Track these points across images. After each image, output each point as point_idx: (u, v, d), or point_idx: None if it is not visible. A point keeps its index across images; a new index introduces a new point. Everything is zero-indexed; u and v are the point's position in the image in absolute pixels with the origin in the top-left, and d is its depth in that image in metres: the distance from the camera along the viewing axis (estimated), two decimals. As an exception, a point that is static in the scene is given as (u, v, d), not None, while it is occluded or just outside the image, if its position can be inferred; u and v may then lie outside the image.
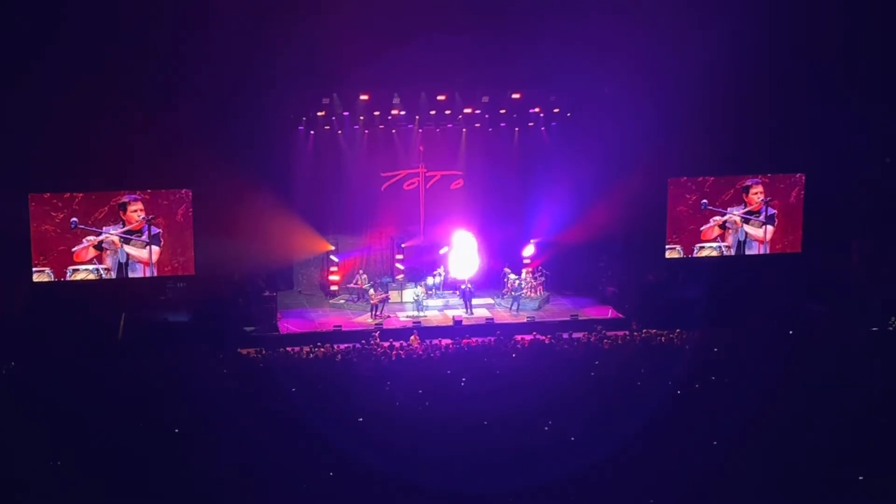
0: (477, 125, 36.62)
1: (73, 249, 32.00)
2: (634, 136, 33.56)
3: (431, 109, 35.99)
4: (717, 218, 35.67)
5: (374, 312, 34.42)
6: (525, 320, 34.14)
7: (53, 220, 31.77)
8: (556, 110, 36.64)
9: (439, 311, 35.17)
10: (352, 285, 36.31)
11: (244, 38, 31.07)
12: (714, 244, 35.89)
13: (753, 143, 35.37)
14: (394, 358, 28.68)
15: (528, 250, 37.28)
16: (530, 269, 36.42)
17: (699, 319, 31.34)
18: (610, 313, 34.96)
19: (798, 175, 35.94)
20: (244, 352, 30.16)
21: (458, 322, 33.82)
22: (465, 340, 31.03)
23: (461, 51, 32.61)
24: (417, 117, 36.09)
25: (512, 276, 35.84)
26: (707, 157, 35.12)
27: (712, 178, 35.63)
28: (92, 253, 32.21)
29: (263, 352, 30.32)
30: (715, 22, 32.29)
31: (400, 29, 31.78)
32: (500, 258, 36.90)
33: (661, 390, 23.63)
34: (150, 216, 32.44)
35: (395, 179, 36.80)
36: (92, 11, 30.17)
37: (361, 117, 35.78)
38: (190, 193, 32.62)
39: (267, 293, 33.67)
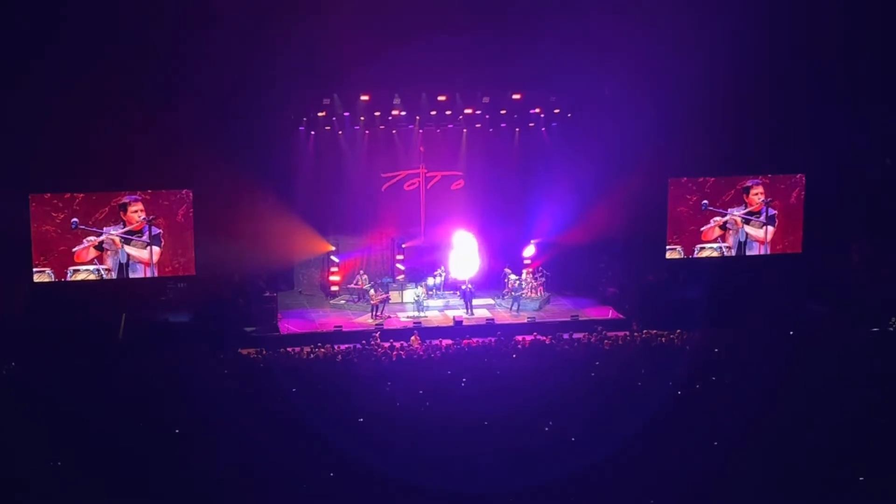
0: (477, 126, 36.62)
1: (74, 250, 32.02)
2: (635, 137, 33.58)
3: (432, 110, 36.00)
4: (718, 218, 35.67)
5: (374, 313, 34.42)
6: (525, 321, 34.15)
7: (54, 221, 31.78)
8: (556, 111, 36.66)
9: (440, 311, 35.18)
10: (352, 286, 36.31)
11: (244, 38, 31.09)
12: (714, 245, 35.90)
13: (754, 144, 35.40)
14: (394, 358, 28.67)
15: (529, 251, 37.29)
16: (531, 270, 36.42)
17: (700, 320, 31.33)
18: (610, 314, 34.96)
19: (798, 175, 35.95)
20: (245, 352, 30.16)
21: (458, 322, 33.82)
22: (465, 341, 31.00)
23: (461, 51, 32.62)
24: (418, 118, 36.10)
25: (512, 277, 35.85)
26: (707, 157, 35.15)
27: (713, 179, 35.64)
28: (92, 253, 32.22)
29: (264, 352, 30.32)
30: (715, 22, 32.33)
31: (400, 29, 31.80)
32: (501, 258, 36.92)
33: (661, 391, 23.61)
34: (151, 216, 32.45)
35: (395, 180, 36.82)
36: (92, 11, 30.18)
37: (362, 118, 35.79)
38: (190, 194, 32.63)
39: (267, 293, 33.67)
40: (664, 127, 33.33)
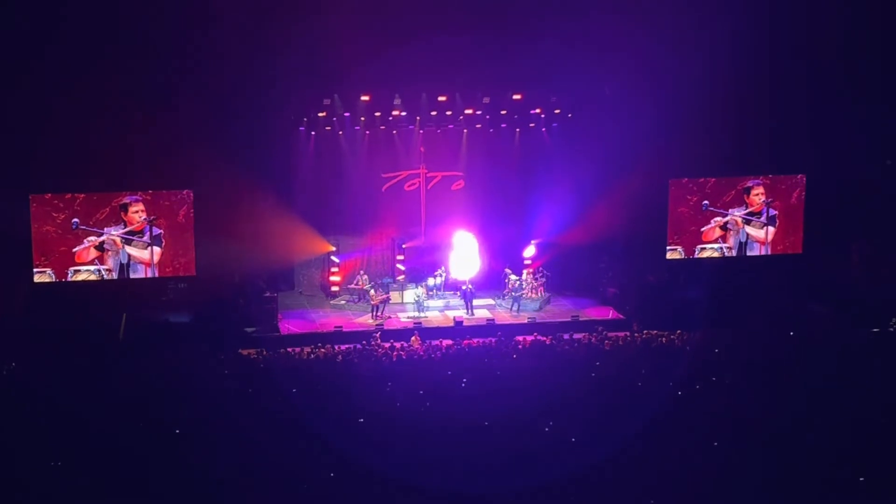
0: (478, 126, 36.61)
1: (75, 250, 32.01)
2: (635, 137, 33.59)
3: (432, 110, 35.99)
4: (719, 219, 35.67)
5: (374, 313, 34.42)
6: (526, 321, 34.15)
7: (55, 221, 31.78)
8: (556, 111, 36.65)
9: (440, 311, 35.18)
10: (353, 286, 36.30)
11: (244, 38, 31.09)
12: (715, 245, 35.89)
13: (754, 144, 35.39)
14: (395, 359, 28.67)
15: (529, 251, 37.28)
16: (531, 270, 36.42)
17: (700, 320, 31.33)
18: (611, 314, 34.96)
19: (799, 176, 35.95)
20: (245, 352, 30.17)
21: (458, 323, 33.83)
22: (465, 341, 31.00)
23: (462, 51, 32.61)
24: (418, 118, 36.10)
25: (513, 277, 35.85)
26: (708, 157, 35.13)
27: (713, 179, 35.63)
28: (93, 254, 32.22)
29: (264, 352, 30.33)
30: (715, 22, 32.32)
31: (400, 29, 31.79)
32: (501, 259, 36.92)
33: (661, 391, 23.62)
34: (152, 217, 32.45)
35: (396, 180, 36.81)
36: (92, 11, 30.17)
37: (362, 118, 35.79)
38: (191, 194, 32.64)
39: (268, 294, 33.67)
40: (664, 127, 33.33)
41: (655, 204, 35.22)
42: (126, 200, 32.37)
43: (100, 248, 32.27)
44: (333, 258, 36.68)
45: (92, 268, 32.29)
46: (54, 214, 31.81)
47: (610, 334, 31.31)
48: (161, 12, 30.66)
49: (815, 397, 22.35)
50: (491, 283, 36.70)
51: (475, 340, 31.24)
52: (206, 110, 31.74)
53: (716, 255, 35.93)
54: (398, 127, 36.30)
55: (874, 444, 20.36)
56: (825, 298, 33.85)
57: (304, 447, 20.13)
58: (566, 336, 30.89)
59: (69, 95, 30.47)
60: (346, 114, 35.58)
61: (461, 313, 34.73)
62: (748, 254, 36.10)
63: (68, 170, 31.49)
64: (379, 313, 34.43)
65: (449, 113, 36.12)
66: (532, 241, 37.29)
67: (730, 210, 35.73)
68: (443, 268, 36.33)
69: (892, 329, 30.98)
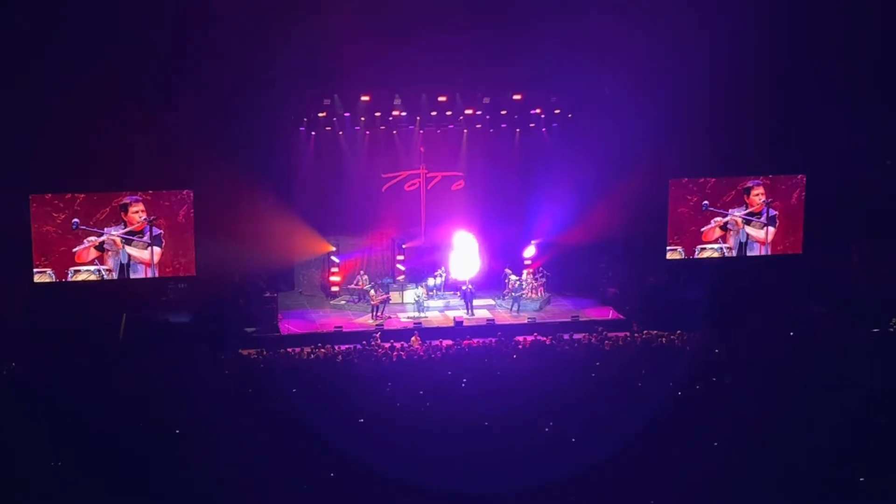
0: (478, 126, 36.62)
1: (75, 250, 32.00)
2: (635, 137, 33.59)
3: (432, 110, 35.99)
4: (719, 219, 35.67)
5: (374, 313, 34.42)
6: (526, 321, 34.15)
7: (55, 221, 31.78)
8: (556, 111, 36.66)
9: (440, 311, 35.18)
10: (353, 286, 36.30)
11: (244, 38, 31.08)
12: (715, 245, 35.88)
13: (754, 144, 35.38)
14: (395, 359, 28.67)
15: (529, 251, 37.28)
16: (531, 270, 36.42)
17: (700, 320, 31.31)
18: (611, 314, 34.96)
19: (799, 176, 35.94)
20: (245, 352, 30.17)
21: (458, 323, 33.83)
22: (465, 341, 31.00)
23: (462, 51, 32.60)
24: (418, 118, 36.11)
25: (513, 277, 35.85)
26: (708, 158, 35.13)
27: (713, 180, 35.62)
28: (93, 254, 32.21)
29: (264, 352, 30.33)
30: (715, 22, 32.32)
31: (400, 29, 31.79)
32: (501, 259, 36.92)
33: (661, 391, 23.61)
34: (152, 217, 32.44)
35: (396, 180, 36.82)
36: (92, 11, 30.17)
37: (362, 118, 35.80)
38: (191, 194, 32.64)
39: (268, 294, 33.67)
40: (664, 127, 33.33)
41: (655, 204, 35.22)
42: (126, 200, 32.37)
43: (100, 248, 32.27)
44: (333, 258, 36.69)
45: (92, 268, 32.29)
46: (54, 214, 31.81)
47: (610, 334, 31.32)
48: (161, 12, 30.65)
49: (816, 397, 22.34)
50: (491, 283, 36.70)
51: (475, 340, 31.25)
52: (206, 110, 31.74)
53: (716, 255, 35.93)
54: (398, 127, 36.31)
55: (874, 444, 20.36)
56: (825, 298, 33.84)
57: (304, 447, 20.13)
58: (566, 336, 30.89)
59: (69, 95, 30.47)
60: (347, 114, 35.59)
61: (461, 313, 34.73)
62: (748, 254, 36.09)
63: (68, 170, 31.49)
64: (379, 313, 34.42)
65: (449, 113, 36.12)
66: (532, 242, 37.30)
67: (730, 210, 35.73)
68: (443, 268, 36.33)
69: (892, 329, 30.97)
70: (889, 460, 19.71)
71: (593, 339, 30.72)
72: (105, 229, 32.21)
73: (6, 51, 30.03)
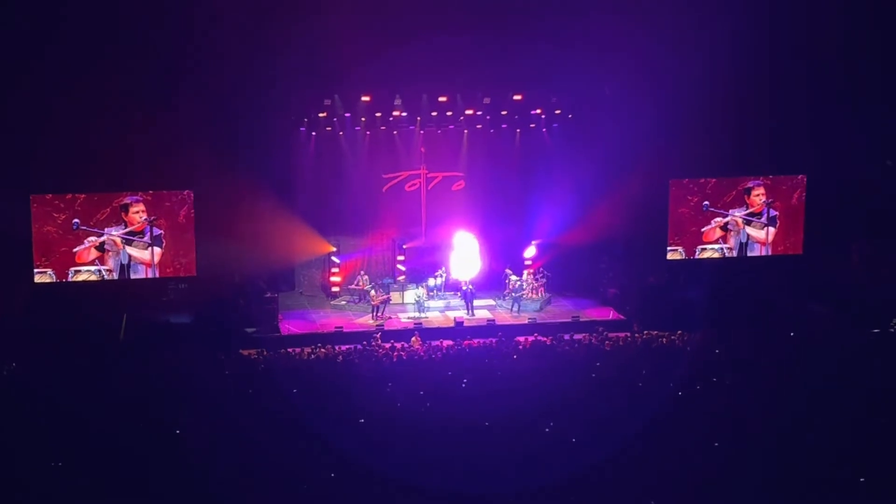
0: (478, 126, 36.65)
1: (75, 250, 32.00)
2: (635, 138, 33.60)
3: (433, 111, 36.01)
4: (719, 219, 35.66)
5: (375, 313, 34.42)
6: (526, 322, 34.16)
7: (55, 221, 31.78)
8: (557, 111, 36.68)
9: (440, 312, 35.19)
10: (353, 286, 36.31)
11: (244, 38, 31.08)
12: (716, 246, 35.87)
13: (754, 145, 35.37)
14: (395, 359, 28.67)
15: (530, 251, 37.29)
16: (531, 271, 36.44)
17: (700, 321, 31.29)
18: (611, 315, 34.96)
19: (800, 177, 35.93)
20: (245, 353, 30.17)
21: (459, 323, 33.84)
22: (466, 342, 31.00)
23: (462, 51, 32.60)
24: (419, 118, 36.13)
25: (513, 278, 35.85)
26: (708, 158, 35.12)
27: (714, 180, 35.61)
28: (94, 254, 32.21)
29: (265, 353, 30.33)
30: (715, 22, 32.32)
31: (400, 29, 31.79)
32: (502, 259, 36.93)
33: (662, 391, 23.59)
34: (152, 217, 32.44)
35: (396, 181, 36.85)
36: (92, 11, 30.17)
37: (363, 118, 35.83)
38: (191, 194, 32.64)
39: (268, 294, 33.68)
40: (665, 128, 33.33)
41: (656, 204, 35.22)
42: (127, 201, 32.38)
43: (100, 248, 32.27)
44: (334, 258, 36.70)
45: (92, 268, 32.29)
46: (55, 215, 31.81)
47: (610, 335, 31.32)
48: (161, 12, 30.66)
49: (816, 398, 22.33)
50: (491, 283, 36.70)
51: (475, 341, 31.25)
52: (207, 110, 31.75)
53: (716, 255, 35.91)
54: (399, 127, 36.33)
55: (874, 444, 20.35)
56: (825, 299, 33.84)
57: (305, 447, 20.12)
58: (567, 336, 30.88)
59: (69, 95, 30.48)
60: (347, 114, 35.62)
61: (462, 314, 34.74)
62: (749, 254, 36.08)
63: (69, 170, 31.49)
64: (379, 314, 34.42)
65: (449, 113, 36.15)
66: (532, 242, 37.32)
67: (730, 210, 35.72)
68: (443, 268, 36.34)
69: (892, 330, 30.94)
70: (889, 460, 19.71)
71: (594, 340, 30.72)
72: (105, 229, 32.22)
73: (6, 51, 30.04)
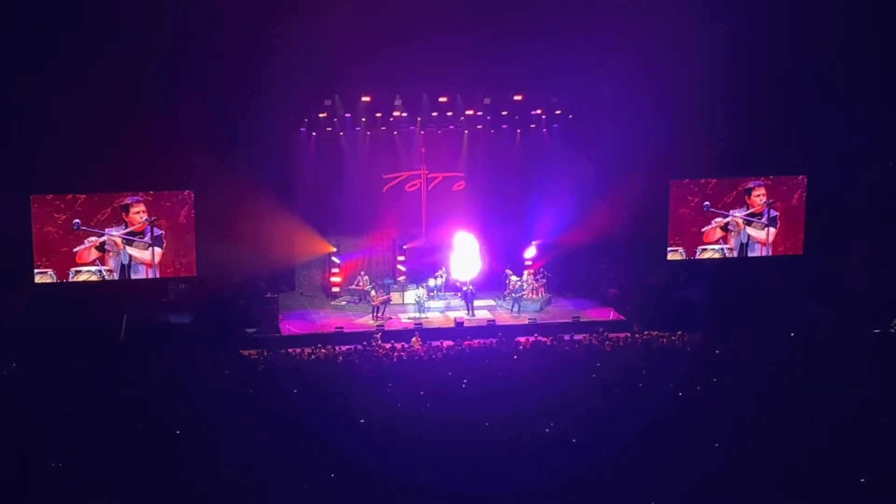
0: (479, 127, 36.68)
1: (76, 250, 31.99)
2: (636, 138, 33.63)
3: (433, 111, 36.04)
4: (720, 220, 35.65)
5: (375, 314, 34.42)
6: (526, 322, 34.16)
7: (56, 222, 31.77)
8: (557, 112, 36.69)
9: (441, 312, 35.20)
10: (353, 287, 36.32)
11: (244, 38, 31.08)
12: (716, 246, 35.85)
13: (755, 145, 35.37)
14: (395, 359, 28.67)
15: (530, 252, 37.29)
16: (532, 271, 36.45)
17: (701, 321, 31.28)
18: (611, 315, 34.95)
19: (800, 177, 35.92)
20: (246, 353, 30.18)
21: (459, 323, 33.84)
22: (466, 342, 31.02)
23: (462, 52, 32.60)
24: (419, 119, 36.15)
25: (513, 278, 35.86)
26: (708, 158, 35.13)
27: (714, 180, 35.59)
28: (94, 254, 32.21)
29: (265, 353, 30.32)
30: (715, 22, 32.32)
31: (400, 29, 31.79)
32: (502, 260, 36.93)
33: (662, 392, 23.59)
34: (153, 217, 32.44)
35: (396, 181, 36.87)
36: (92, 11, 30.18)
37: (363, 119, 35.85)
38: (192, 195, 32.62)
39: (268, 294, 33.68)
40: (665, 128, 33.32)
41: (656, 205, 35.21)
42: (127, 201, 32.38)
43: (101, 248, 32.27)
44: (334, 259, 36.72)
45: (93, 268, 32.29)
46: (55, 215, 31.81)
47: (611, 335, 31.32)
48: (161, 12, 30.67)
49: (816, 398, 22.34)
50: (491, 284, 36.70)
51: (476, 341, 31.27)
52: (207, 111, 31.77)
53: (717, 255, 35.90)
54: (399, 128, 36.35)
55: (874, 444, 20.35)
56: (826, 299, 33.85)
57: (305, 448, 20.12)
58: (567, 337, 30.88)
59: (70, 96, 30.46)
60: (347, 114, 35.65)
61: (462, 314, 34.75)
62: (749, 255, 36.06)
63: (69, 170, 31.48)
64: (380, 314, 34.43)
65: (450, 114, 36.18)
66: (533, 242, 37.32)
67: (731, 211, 35.71)
68: (443, 269, 36.35)
69: (892, 330, 30.93)
70: (889, 460, 19.70)
71: (594, 340, 30.72)
72: (106, 230, 32.22)
73: (7, 51, 30.03)
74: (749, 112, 34.56)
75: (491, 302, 36.08)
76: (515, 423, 21.42)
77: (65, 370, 25.76)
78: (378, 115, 35.77)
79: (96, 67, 30.48)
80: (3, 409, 22.19)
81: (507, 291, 35.77)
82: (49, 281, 31.90)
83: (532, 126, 36.97)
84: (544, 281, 36.07)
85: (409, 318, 34.52)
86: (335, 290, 36.70)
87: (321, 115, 35.41)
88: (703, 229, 35.66)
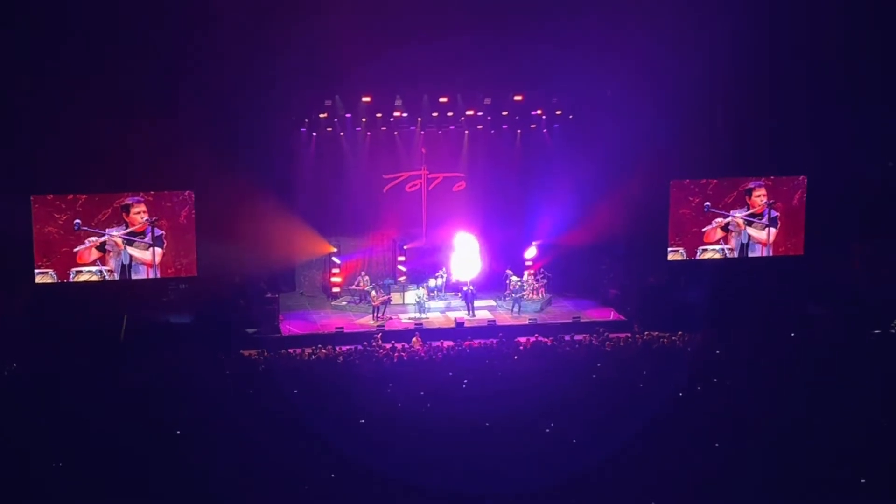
0: (479, 127, 36.67)
1: (76, 251, 31.96)
2: (636, 138, 33.63)
3: (433, 111, 36.03)
4: (720, 220, 35.63)
5: (375, 314, 34.42)
6: (527, 322, 34.15)
7: (56, 222, 31.76)
8: (557, 112, 36.69)
9: (441, 312, 35.19)
10: (354, 287, 36.31)
11: (244, 38, 31.08)
12: (717, 246, 35.84)
13: (755, 145, 35.36)
14: (395, 360, 28.67)
15: (530, 252, 37.27)
16: (532, 271, 36.44)
17: (701, 321, 31.27)
18: (612, 315, 34.94)
19: (801, 178, 35.90)
20: (246, 353, 30.17)
21: (459, 324, 33.84)
22: (466, 342, 31.01)
23: (462, 52, 32.61)
24: (419, 119, 36.15)
25: (514, 278, 35.85)
26: (709, 159, 35.12)
27: (715, 181, 35.57)
28: (95, 254, 32.20)
29: (265, 353, 30.28)
30: (715, 22, 32.32)
31: (400, 29, 31.80)
32: (502, 260, 36.92)
33: (662, 392, 23.59)
34: (153, 218, 32.43)
35: (397, 181, 36.86)
36: (92, 11, 30.18)
37: (363, 119, 35.84)
38: (192, 195, 32.60)
39: (269, 295, 33.68)
40: (665, 128, 33.32)
41: (657, 205, 35.19)
42: (128, 201, 32.36)
43: (101, 248, 32.26)
44: (334, 259, 36.72)
45: (93, 268, 32.28)
46: (56, 215, 31.79)
47: (611, 335, 31.30)
48: (161, 12, 30.67)
49: (816, 398, 22.36)
50: (492, 284, 36.70)
51: (476, 342, 31.25)
52: (207, 111, 31.77)
53: (717, 256, 35.89)
54: (399, 128, 36.35)
55: (874, 444, 20.36)
56: (826, 300, 33.84)
57: (305, 448, 20.15)
58: (567, 337, 30.88)
59: (70, 96, 30.48)
60: (348, 115, 35.65)
61: (462, 314, 34.75)
62: (749, 255, 36.04)
63: (70, 171, 31.47)
64: (380, 314, 34.43)
65: (450, 114, 36.18)
66: (533, 243, 37.30)
67: (731, 211, 35.70)
68: (444, 269, 36.34)
69: (892, 330, 30.92)
70: (889, 460, 19.71)
71: (594, 340, 30.71)
72: (107, 230, 32.21)
73: (7, 51, 30.05)
74: (749, 112, 34.56)
75: (491, 302, 36.08)
76: (516, 423, 21.44)
77: (65, 370, 25.77)
78: (378, 115, 35.78)
79: (96, 67, 30.50)
80: (3, 409, 22.21)
81: (508, 292, 35.77)
82: (50, 281, 31.89)
83: (532, 126, 36.97)
84: (545, 281, 36.07)
85: (409, 319, 34.52)
86: (335, 290, 36.70)
87: (321, 116, 35.41)
88: (703, 230, 35.64)
